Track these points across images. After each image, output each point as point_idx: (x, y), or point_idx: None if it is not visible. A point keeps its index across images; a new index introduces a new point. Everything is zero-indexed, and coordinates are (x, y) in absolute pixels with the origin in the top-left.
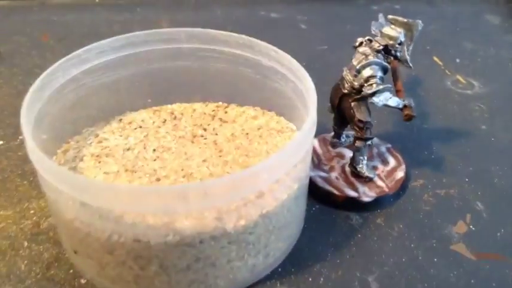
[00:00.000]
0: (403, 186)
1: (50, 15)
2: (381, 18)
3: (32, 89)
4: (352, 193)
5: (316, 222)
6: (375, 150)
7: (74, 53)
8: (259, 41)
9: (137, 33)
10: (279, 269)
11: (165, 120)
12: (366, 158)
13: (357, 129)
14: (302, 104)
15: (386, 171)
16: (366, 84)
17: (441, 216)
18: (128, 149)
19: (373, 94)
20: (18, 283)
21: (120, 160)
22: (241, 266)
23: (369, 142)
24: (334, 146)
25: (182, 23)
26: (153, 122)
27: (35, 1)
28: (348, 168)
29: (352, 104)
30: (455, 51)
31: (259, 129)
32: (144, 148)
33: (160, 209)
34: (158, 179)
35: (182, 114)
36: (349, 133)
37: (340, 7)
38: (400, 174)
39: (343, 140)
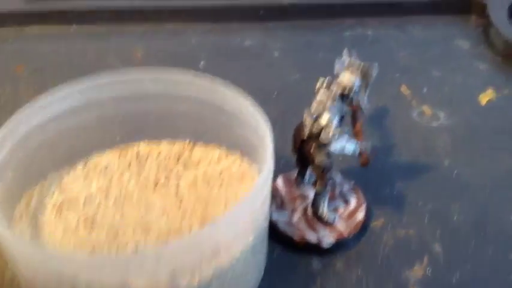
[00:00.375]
0: (363, 227)
1: (25, 45)
2: (344, 54)
3: None
4: (312, 238)
5: (277, 267)
6: (338, 190)
7: (37, 100)
8: (220, 86)
9: (101, 75)
10: None
11: (130, 163)
12: (326, 200)
13: (317, 173)
14: (263, 150)
15: (347, 212)
16: (322, 132)
17: (399, 259)
18: (90, 199)
19: (329, 143)
20: None
21: (80, 212)
22: None
23: (328, 187)
24: (298, 184)
25: (157, 52)
26: (118, 167)
27: (11, 29)
28: (310, 210)
29: (312, 148)
30: (424, 79)
31: (220, 174)
32: (106, 197)
33: (115, 275)
34: (115, 236)
35: (148, 156)
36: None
37: (313, 34)
38: (360, 215)
39: (306, 179)
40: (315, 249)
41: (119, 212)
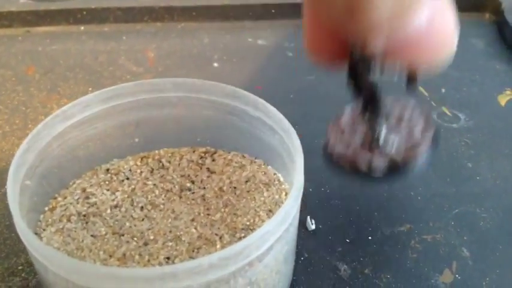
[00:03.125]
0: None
1: (35, 45)
2: None
3: (18, 154)
4: (363, 161)
5: (305, 274)
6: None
7: (60, 110)
8: (245, 92)
9: (124, 85)
10: None
11: (153, 169)
12: (382, 124)
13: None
14: (289, 159)
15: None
16: None
17: (428, 264)
18: (116, 207)
19: None
20: None
21: (107, 220)
22: None
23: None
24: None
25: (169, 52)
26: (141, 173)
27: (19, 30)
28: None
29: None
30: (441, 79)
31: (247, 182)
32: (132, 205)
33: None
34: (146, 244)
35: (169, 162)
36: None
37: None
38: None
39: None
40: (365, 175)
41: (147, 220)
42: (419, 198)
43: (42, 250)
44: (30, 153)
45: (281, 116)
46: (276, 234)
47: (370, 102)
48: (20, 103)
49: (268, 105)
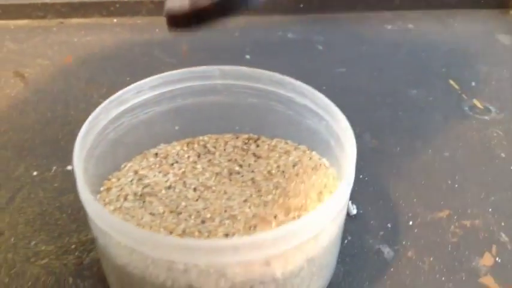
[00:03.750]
0: None
1: (70, 36)
2: None
3: (80, 135)
4: None
5: (349, 256)
6: None
7: (115, 95)
8: (292, 79)
9: (173, 72)
10: None
11: (199, 154)
12: None
13: None
14: (336, 143)
15: None
16: None
17: (468, 248)
18: (169, 187)
19: None
20: None
21: (163, 200)
22: None
23: None
24: None
25: (201, 44)
26: (188, 157)
27: (53, 21)
28: None
29: None
30: (470, 73)
31: (294, 166)
32: (185, 187)
33: (212, 259)
34: (203, 221)
35: (215, 147)
36: None
37: (354, 27)
38: None
39: None
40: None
41: (202, 200)
42: (456, 186)
43: (113, 222)
44: (89, 135)
45: (329, 101)
46: (331, 215)
47: None
48: (59, 91)
49: (315, 91)
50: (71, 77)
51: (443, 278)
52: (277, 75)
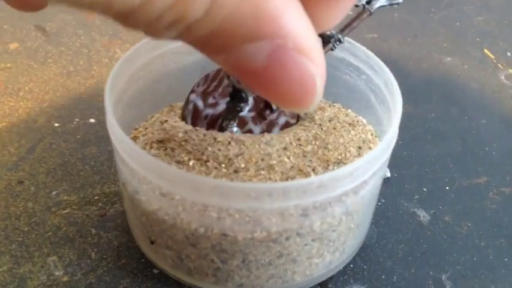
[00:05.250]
0: None
1: None
2: None
3: (112, 74)
4: None
5: (384, 218)
6: None
7: (142, 42)
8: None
9: None
10: (351, 265)
11: None
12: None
13: None
14: (377, 98)
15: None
16: None
17: (508, 215)
18: (198, 137)
19: None
20: (90, 272)
21: (191, 150)
22: (319, 262)
23: None
24: None
25: None
26: None
27: None
28: None
29: None
30: (505, 44)
31: (330, 121)
32: (215, 139)
33: (245, 205)
34: (236, 171)
35: None
36: None
37: None
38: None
39: None
40: None
41: (235, 144)
42: (494, 153)
43: (147, 160)
44: (118, 81)
45: (371, 54)
46: (373, 169)
47: (234, 95)
48: (82, 46)
49: (355, 43)
50: (94, 33)
51: (482, 244)
52: None
